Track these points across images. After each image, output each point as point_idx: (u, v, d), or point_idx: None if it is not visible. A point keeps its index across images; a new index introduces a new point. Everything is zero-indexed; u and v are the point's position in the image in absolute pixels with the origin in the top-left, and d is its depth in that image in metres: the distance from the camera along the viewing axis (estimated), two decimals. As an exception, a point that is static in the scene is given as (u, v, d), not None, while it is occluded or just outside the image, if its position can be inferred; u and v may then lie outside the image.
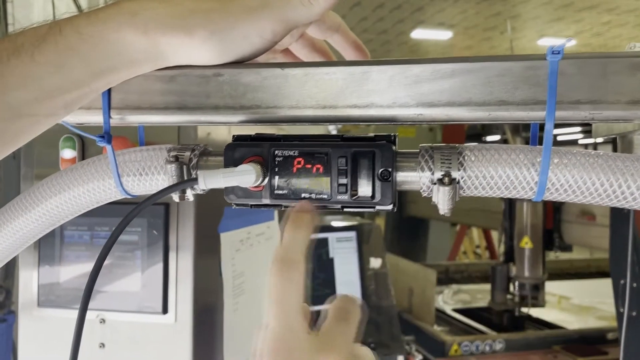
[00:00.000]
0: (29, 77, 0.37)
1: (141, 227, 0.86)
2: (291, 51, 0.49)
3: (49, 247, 0.90)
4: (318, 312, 0.38)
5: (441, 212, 0.40)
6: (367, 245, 2.18)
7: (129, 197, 0.45)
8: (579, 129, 6.00)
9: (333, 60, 0.49)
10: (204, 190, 0.42)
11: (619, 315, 1.91)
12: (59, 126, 0.44)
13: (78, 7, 3.31)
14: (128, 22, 0.38)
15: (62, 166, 0.87)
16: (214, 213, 0.95)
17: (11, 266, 2.18)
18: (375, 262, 2.18)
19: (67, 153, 0.85)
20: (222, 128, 0.96)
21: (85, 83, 0.39)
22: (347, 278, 2.09)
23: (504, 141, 3.55)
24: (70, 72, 0.38)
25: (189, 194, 0.43)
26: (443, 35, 7.69)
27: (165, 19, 0.38)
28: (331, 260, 2.15)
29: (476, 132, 5.53)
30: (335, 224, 2.31)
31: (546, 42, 7.72)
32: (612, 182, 0.37)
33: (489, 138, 5.74)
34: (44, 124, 0.40)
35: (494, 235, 5.12)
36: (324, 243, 2.14)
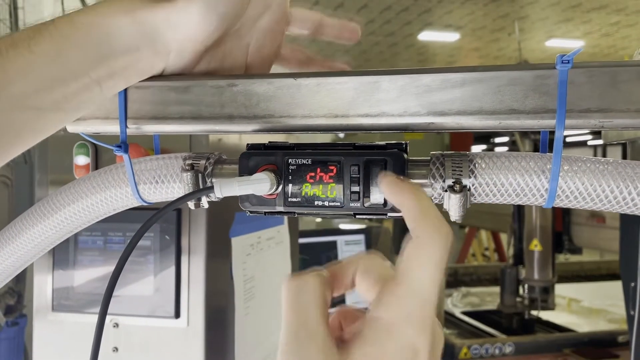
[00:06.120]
0: (27, 67, 0.38)
1: (154, 232, 0.87)
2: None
3: (63, 252, 0.91)
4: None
5: (452, 219, 0.40)
6: (375, 249, 2.18)
7: (145, 204, 0.46)
8: (587, 130, 5.97)
9: (344, 71, 0.49)
10: (218, 198, 0.43)
11: (630, 318, 1.90)
12: (73, 133, 0.45)
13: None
14: (117, 7, 0.39)
15: (76, 172, 0.88)
16: (225, 217, 0.96)
17: (22, 270, 2.20)
18: (384, 265, 2.18)
19: (81, 159, 0.86)
20: (232, 134, 0.97)
21: (83, 72, 0.39)
22: (356, 281, 2.09)
23: (513, 142, 3.54)
24: (66, 61, 0.38)
25: (204, 202, 0.44)
26: (450, 37, 7.68)
27: None
28: (340, 264, 2.15)
29: (484, 134, 5.52)
30: (343, 227, 2.31)
31: (555, 43, 7.69)
32: (622, 189, 0.37)
33: (497, 140, 5.73)
34: (50, 119, 0.41)
35: (503, 237, 5.10)
36: (332, 246, 2.15)
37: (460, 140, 4.77)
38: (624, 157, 0.40)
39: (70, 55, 0.38)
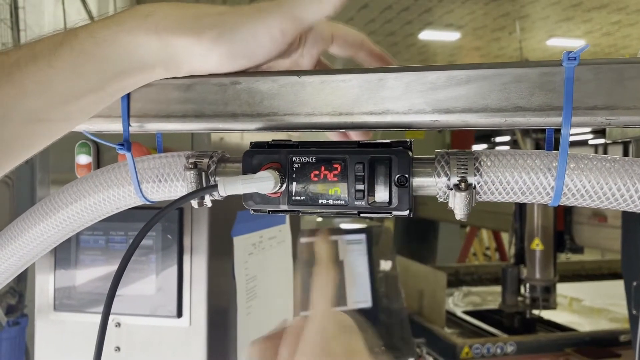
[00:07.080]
0: (45, 83, 0.37)
1: (156, 231, 0.87)
2: None
3: (64, 251, 0.91)
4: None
5: (457, 217, 0.40)
6: (376, 248, 2.18)
7: (148, 203, 0.46)
8: (589, 129, 5.96)
9: (349, 68, 0.49)
10: (222, 196, 0.42)
11: (632, 317, 1.90)
12: (75, 132, 0.45)
13: (88, 12, 3.33)
14: (140, 24, 0.38)
15: (78, 172, 0.88)
16: (227, 217, 0.96)
17: (24, 270, 2.20)
18: (385, 265, 2.18)
19: (83, 159, 0.86)
20: (235, 132, 0.97)
21: (100, 87, 0.39)
22: (357, 280, 2.09)
23: (514, 142, 3.53)
24: (85, 77, 0.38)
25: (207, 200, 0.44)
26: (451, 36, 7.68)
27: (177, 20, 0.39)
28: (341, 263, 2.15)
29: (485, 133, 5.51)
30: (344, 226, 2.31)
31: (555, 43, 7.69)
32: (629, 187, 0.37)
33: (498, 139, 5.72)
34: (60, 129, 0.41)
35: (504, 236, 5.10)
36: (333, 245, 2.15)
37: (462, 139, 4.76)
38: (626, 155, 0.40)
39: (90, 72, 0.38)
